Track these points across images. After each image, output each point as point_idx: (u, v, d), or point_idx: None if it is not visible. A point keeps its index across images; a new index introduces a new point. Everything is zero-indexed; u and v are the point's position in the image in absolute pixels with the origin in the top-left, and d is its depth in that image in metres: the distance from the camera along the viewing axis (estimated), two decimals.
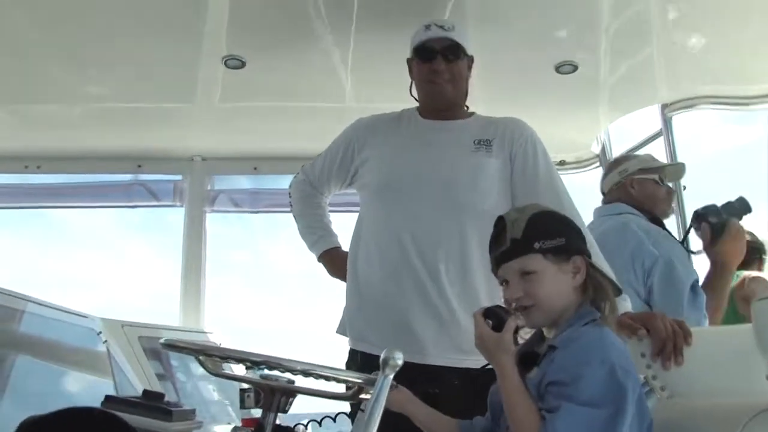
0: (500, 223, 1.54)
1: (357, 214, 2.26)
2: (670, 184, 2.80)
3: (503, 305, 1.49)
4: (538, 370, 1.41)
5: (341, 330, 2.17)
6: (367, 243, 2.13)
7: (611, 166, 2.86)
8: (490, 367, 1.48)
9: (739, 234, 2.59)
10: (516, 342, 1.47)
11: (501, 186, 2.08)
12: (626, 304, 1.80)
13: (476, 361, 1.82)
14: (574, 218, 1.78)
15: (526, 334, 1.54)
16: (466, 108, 2.28)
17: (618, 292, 1.57)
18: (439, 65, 2.12)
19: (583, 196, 3.22)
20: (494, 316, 1.46)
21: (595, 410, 1.26)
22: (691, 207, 3.53)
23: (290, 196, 2.49)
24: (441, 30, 2.13)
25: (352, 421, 2.02)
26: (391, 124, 2.26)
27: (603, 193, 2.85)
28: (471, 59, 2.22)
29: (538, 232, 1.46)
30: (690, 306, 2.36)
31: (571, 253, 1.47)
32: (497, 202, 2.02)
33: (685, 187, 3.56)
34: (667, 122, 3.61)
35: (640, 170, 2.73)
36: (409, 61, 2.27)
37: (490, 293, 1.92)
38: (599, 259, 1.74)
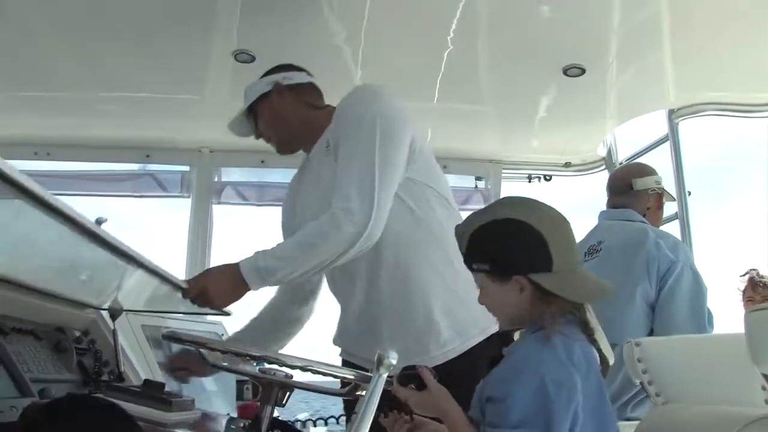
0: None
1: None
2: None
3: (409, 365, 1.40)
4: (483, 381, 1.39)
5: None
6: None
7: (647, 169, 2.84)
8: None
9: None
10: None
11: None
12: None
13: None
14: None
15: None
16: (321, 110, 2.16)
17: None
18: (257, 136, 2.18)
19: (590, 198, 3.22)
20: (411, 378, 1.38)
21: (525, 431, 1.23)
22: (694, 212, 3.56)
23: None
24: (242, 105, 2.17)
25: (348, 418, 2.04)
26: (296, 174, 2.26)
27: (624, 189, 2.76)
28: (276, 91, 2.11)
29: (473, 253, 1.41)
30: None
31: (507, 274, 1.36)
32: None
33: (690, 193, 3.57)
34: (673, 128, 3.61)
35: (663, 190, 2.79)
36: None
37: (403, 292, 1.90)
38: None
